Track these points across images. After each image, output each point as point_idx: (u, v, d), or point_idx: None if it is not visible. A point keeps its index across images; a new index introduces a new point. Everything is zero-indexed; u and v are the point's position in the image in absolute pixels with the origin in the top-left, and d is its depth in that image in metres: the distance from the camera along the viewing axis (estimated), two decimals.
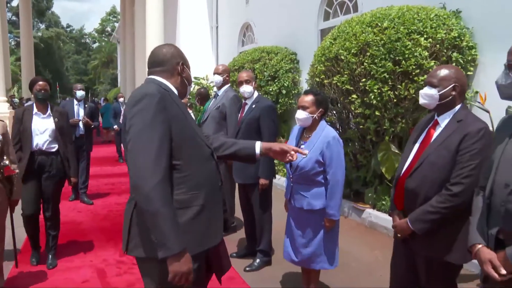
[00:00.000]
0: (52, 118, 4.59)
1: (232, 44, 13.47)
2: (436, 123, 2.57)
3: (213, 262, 2.79)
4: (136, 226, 2.05)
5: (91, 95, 59.14)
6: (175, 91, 2.21)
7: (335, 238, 3.46)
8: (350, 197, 6.31)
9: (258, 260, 4.38)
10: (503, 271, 1.82)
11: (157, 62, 2.23)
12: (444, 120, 2.53)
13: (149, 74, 2.25)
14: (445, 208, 2.38)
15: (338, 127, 6.44)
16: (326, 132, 3.32)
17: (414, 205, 2.50)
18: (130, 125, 1.97)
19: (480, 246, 1.96)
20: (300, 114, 3.32)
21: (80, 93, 7.12)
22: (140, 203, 1.90)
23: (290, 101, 9.15)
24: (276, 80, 9.07)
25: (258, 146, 2.41)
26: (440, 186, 2.42)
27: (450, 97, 2.50)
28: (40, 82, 4.55)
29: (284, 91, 9.01)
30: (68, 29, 73.11)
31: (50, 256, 4.51)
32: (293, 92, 9.19)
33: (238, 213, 4.89)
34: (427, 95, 2.54)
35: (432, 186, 2.44)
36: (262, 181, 4.19)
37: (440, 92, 2.49)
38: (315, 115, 3.33)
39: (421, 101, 2.60)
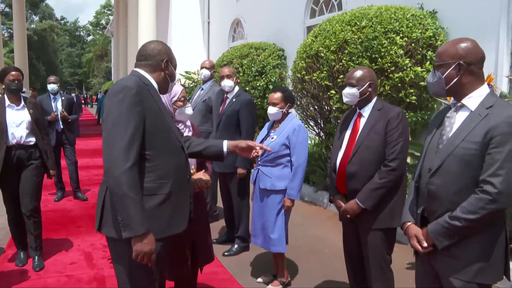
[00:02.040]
0: (26, 109, 4.32)
1: (223, 39, 13.69)
2: (360, 115, 2.99)
3: (202, 253, 3.14)
4: (108, 208, 2.19)
5: (85, 88, 59.17)
6: (156, 86, 2.33)
7: (287, 222, 3.77)
8: None
9: (236, 246, 4.65)
10: (425, 244, 2.10)
11: (143, 56, 2.34)
12: (366, 111, 2.96)
13: (135, 66, 2.37)
14: (387, 182, 2.79)
15: (319, 121, 6.70)
16: (293, 121, 3.71)
17: (357, 186, 2.87)
18: (107, 114, 2.11)
19: (409, 223, 2.24)
20: (271, 110, 3.69)
21: (51, 87, 6.68)
22: (110, 186, 2.06)
23: None
24: (263, 76, 9.30)
25: (226, 144, 2.59)
26: (377, 165, 2.82)
27: (367, 93, 2.93)
28: (13, 72, 4.26)
29: (271, 86, 9.24)
30: (62, 22, 72.93)
31: (36, 257, 4.31)
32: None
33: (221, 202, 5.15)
34: (350, 94, 2.96)
35: (370, 166, 2.83)
36: (240, 170, 4.46)
37: (360, 90, 2.91)
38: (284, 110, 3.69)
39: (345, 99, 3.01)
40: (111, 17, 47.60)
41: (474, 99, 2.06)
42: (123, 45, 24.29)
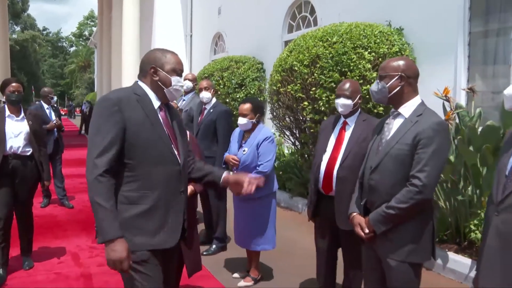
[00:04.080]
0: (26, 121, 4.46)
1: (205, 52, 14.08)
2: (346, 124, 3.30)
3: (188, 259, 3.31)
4: None
5: (67, 99, 58.94)
6: (151, 95, 2.33)
7: (272, 223, 4.09)
8: (305, 195, 6.94)
9: (214, 246, 4.99)
10: (366, 230, 2.49)
11: (139, 68, 2.41)
12: (352, 121, 3.28)
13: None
14: None
15: (294, 131, 7.09)
16: (262, 132, 4.02)
17: (346, 188, 3.09)
18: (90, 125, 2.23)
19: (354, 214, 2.63)
20: (241, 121, 4.00)
21: (54, 99, 7.42)
22: (88, 192, 2.13)
23: None
24: (243, 88, 9.70)
25: (222, 176, 2.54)
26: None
27: (357, 105, 3.28)
28: (14, 84, 4.39)
29: None
30: (45, 32, 72.62)
31: (26, 257, 4.55)
32: (260, 99, 9.81)
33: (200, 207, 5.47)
34: (345, 105, 3.24)
35: (358, 172, 3.04)
36: None
37: (354, 102, 3.24)
38: (253, 120, 4.00)
39: (340, 109, 3.28)
40: (94, 29, 47.77)
41: (408, 108, 2.47)
42: (106, 56, 24.47)
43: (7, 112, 4.42)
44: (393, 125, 2.51)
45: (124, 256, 2.08)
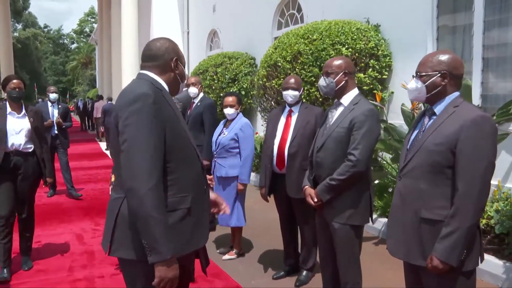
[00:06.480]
0: (27, 118, 4.44)
1: (201, 48, 14.58)
2: (291, 111, 3.93)
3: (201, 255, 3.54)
4: (122, 228, 2.01)
5: (69, 96, 59.44)
6: (167, 89, 2.14)
7: (242, 202, 4.64)
8: None
9: None
10: (315, 199, 3.01)
11: (149, 57, 2.13)
12: (296, 109, 3.92)
13: (141, 68, 2.16)
14: None
15: None
16: (241, 120, 4.59)
17: (296, 163, 3.77)
18: (126, 125, 1.92)
19: (306, 186, 3.16)
20: (230, 111, 4.57)
21: (53, 96, 7.61)
22: (133, 206, 1.88)
23: (249, 101, 10.27)
24: (236, 82, 10.20)
25: None
26: (309, 148, 3.54)
27: (301, 96, 3.93)
28: (14, 81, 4.38)
29: (243, 92, 10.15)
30: (46, 29, 73.05)
31: (25, 257, 4.48)
32: (252, 93, 10.27)
33: None
34: (294, 95, 3.88)
35: (305, 149, 3.69)
36: (204, 161, 5.31)
37: (300, 93, 3.88)
38: (238, 110, 4.59)
39: (289, 99, 3.87)
40: (95, 25, 48.21)
41: (347, 98, 3.01)
42: (107, 53, 25.02)
43: (8, 109, 4.41)
44: (335, 113, 3.04)
45: (178, 272, 1.95)
